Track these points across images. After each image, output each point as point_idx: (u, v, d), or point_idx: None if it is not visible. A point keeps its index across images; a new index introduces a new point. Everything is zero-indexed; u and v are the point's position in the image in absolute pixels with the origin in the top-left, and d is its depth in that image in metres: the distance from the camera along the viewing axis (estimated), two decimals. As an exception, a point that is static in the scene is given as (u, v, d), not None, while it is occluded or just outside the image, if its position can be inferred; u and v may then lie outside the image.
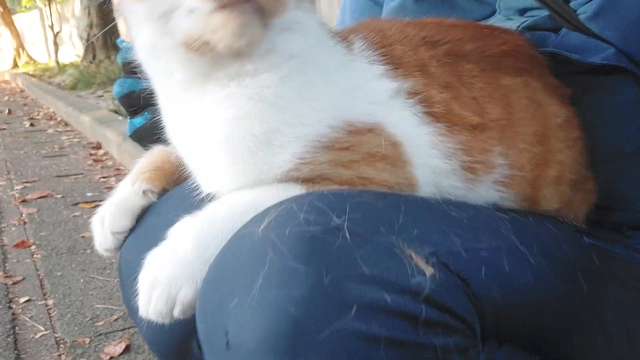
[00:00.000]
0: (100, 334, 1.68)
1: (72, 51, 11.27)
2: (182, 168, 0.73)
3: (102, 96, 6.76)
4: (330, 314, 0.48)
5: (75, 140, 4.71)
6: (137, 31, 0.62)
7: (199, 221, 0.59)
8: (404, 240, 0.52)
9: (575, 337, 0.60)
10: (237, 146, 0.60)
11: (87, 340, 1.65)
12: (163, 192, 0.80)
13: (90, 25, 8.12)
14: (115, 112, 4.78)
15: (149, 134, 0.80)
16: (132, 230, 0.78)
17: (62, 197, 3.08)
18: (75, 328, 1.72)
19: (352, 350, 0.47)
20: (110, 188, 3.18)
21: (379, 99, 0.63)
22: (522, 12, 0.85)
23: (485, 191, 0.67)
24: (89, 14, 8.07)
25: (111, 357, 1.56)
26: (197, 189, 0.68)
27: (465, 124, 0.65)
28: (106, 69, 7.86)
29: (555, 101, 0.71)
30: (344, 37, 0.67)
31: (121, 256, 0.80)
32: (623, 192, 0.77)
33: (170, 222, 0.62)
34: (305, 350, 0.47)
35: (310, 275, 0.49)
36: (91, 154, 4.10)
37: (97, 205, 2.95)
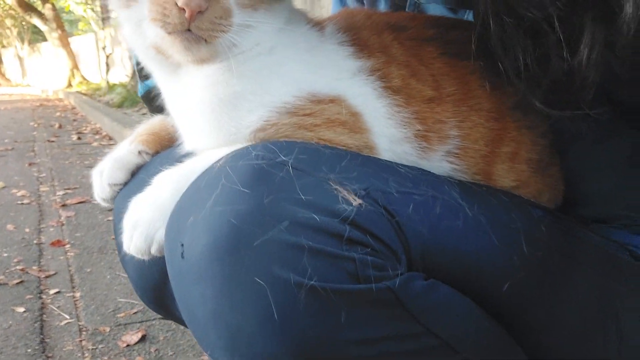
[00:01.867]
0: (120, 324, 1.78)
1: (123, 72, 11.80)
2: (176, 135, 0.82)
3: (145, 114, 7.06)
4: (265, 225, 0.55)
5: (117, 153, 4.94)
6: (126, 33, 0.73)
7: (178, 172, 0.69)
8: (341, 179, 0.60)
9: (508, 291, 0.65)
10: (207, 110, 0.70)
11: (107, 329, 1.75)
12: (156, 154, 0.90)
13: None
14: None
15: (156, 97, 0.90)
16: (125, 184, 0.88)
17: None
18: (98, 318, 1.83)
19: (280, 255, 0.55)
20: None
21: (343, 75, 0.71)
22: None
23: (438, 161, 0.73)
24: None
25: (128, 345, 1.65)
26: (183, 149, 0.77)
27: (421, 97, 0.72)
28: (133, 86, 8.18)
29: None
30: (319, 23, 0.76)
31: (115, 205, 0.90)
32: (583, 186, 0.82)
33: (156, 175, 0.71)
34: (241, 253, 0.55)
35: (253, 196, 0.57)
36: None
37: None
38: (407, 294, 0.59)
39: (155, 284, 0.87)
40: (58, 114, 8.33)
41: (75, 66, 14.23)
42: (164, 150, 0.90)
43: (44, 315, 1.87)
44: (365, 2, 1.06)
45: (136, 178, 0.88)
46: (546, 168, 0.79)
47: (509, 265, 0.65)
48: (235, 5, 0.66)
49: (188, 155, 0.75)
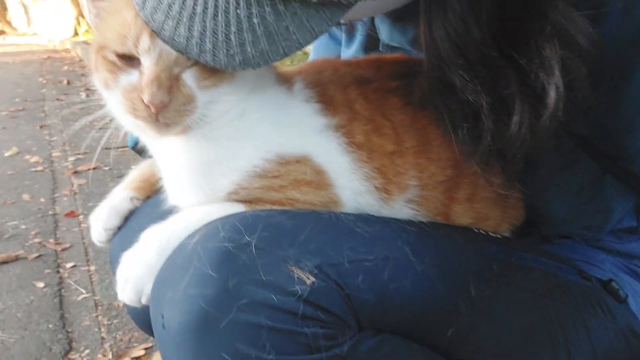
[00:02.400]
0: (133, 299, 1.91)
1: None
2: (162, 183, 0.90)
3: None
4: (229, 308, 0.65)
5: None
6: (109, 106, 0.79)
7: (162, 231, 0.77)
8: (299, 255, 0.68)
9: (452, 332, 0.74)
10: (185, 173, 0.78)
11: (122, 304, 1.88)
12: (147, 199, 0.99)
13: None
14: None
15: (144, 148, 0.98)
16: (119, 228, 0.98)
17: (110, 169, 3.35)
18: (112, 293, 1.96)
19: (242, 333, 0.65)
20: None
21: (309, 133, 0.78)
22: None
23: (399, 209, 0.81)
24: None
25: (140, 320, 1.79)
26: (167, 201, 0.86)
27: (382, 151, 0.78)
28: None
29: None
30: (288, 78, 0.81)
31: (110, 248, 1.01)
32: (545, 209, 0.88)
33: (144, 226, 0.80)
34: (210, 333, 0.65)
35: (219, 280, 0.66)
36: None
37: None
38: (356, 356, 0.68)
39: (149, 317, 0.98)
40: (66, 67, 8.34)
41: (81, 14, 14.04)
42: (154, 193, 0.98)
43: (63, 290, 2.01)
44: (343, 36, 1.09)
45: (128, 224, 0.98)
46: (505, 200, 0.86)
47: (453, 311, 0.74)
48: (197, 89, 0.71)
49: (172, 208, 0.84)
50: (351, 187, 0.78)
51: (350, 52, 1.08)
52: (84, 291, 1.99)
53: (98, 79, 0.77)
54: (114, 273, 1.02)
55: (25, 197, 2.93)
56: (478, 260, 0.78)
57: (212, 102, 0.73)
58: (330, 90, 0.80)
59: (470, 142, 0.73)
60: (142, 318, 1.00)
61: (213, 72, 0.71)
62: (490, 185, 0.84)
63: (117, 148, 3.78)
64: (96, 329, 1.76)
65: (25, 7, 20.48)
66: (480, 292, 0.75)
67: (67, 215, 2.67)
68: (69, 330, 1.77)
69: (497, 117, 0.70)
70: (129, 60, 0.72)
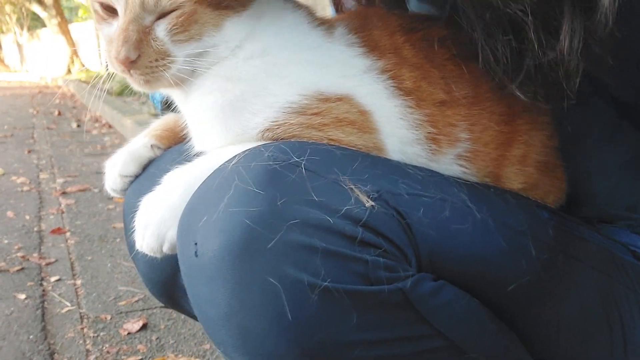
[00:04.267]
0: (121, 312, 1.79)
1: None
2: (186, 132, 0.83)
3: (145, 102, 7.04)
4: (279, 227, 0.56)
5: (116, 141, 4.93)
6: None
7: (187, 172, 0.69)
8: (353, 181, 0.60)
9: (514, 292, 0.65)
10: (211, 115, 0.71)
11: (109, 317, 1.75)
12: (168, 149, 0.91)
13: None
14: (155, 115, 4.97)
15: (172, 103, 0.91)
16: (136, 176, 0.89)
17: (99, 191, 3.24)
18: (99, 306, 1.83)
19: (293, 256, 0.56)
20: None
21: (352, 72, 0.71)
22: None
23: (448, 164, 0.73)
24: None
25: (129, 333, 1.66)
26: (192, 147, 0.78)
27: (432, 100, 0.72)
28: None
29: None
30: (328, 23, 0.75)
31: (125, 197, 0.92)
32: (587, 187, 0.82)
33: (166, 172, 0.72)
34: (255, 255, 0.56)
35: (267, 198, 0.57)
36: (130, 155, 4.29)
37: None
38: (418, 295, 0.59)
39: (165, 278, 0.88)
40: (57, 101, 8.29)
41: (75, 53, 14.17)
42: (176, 144, 0.90)
43: (45, 303, 1.88)
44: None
45: (147, 172, 0.89)
46: (553, 170, 0.80)
47: (516, 268, 0.66)
48: (171, 43, 0.66)
49: (197, 154, 0.76)
50: (398, 134, 0.71)
51: None
52: (68, 304, 1.85)
53: None
54: (126, 228, 0.92)
55: (10, 214, 2.81)
56: (533, 222, 0.70)
57: (194, 56, 0.67)
58: (375, 35, 0.74)
59: (512, 62, 0.67)
60: (158, 278, 0.89)
61: (191, 21, 0.66)
62: (543, 147, 0.77)
63: (108, 172, 3.69)
64: (81, 341, 1.62)
65: (19, 45, 20.64)
66: (540, 254, 0.67)
67: (53, 232, 2.54)
68: (51, 341, 1.63)
69: (543, 26, 0.64)
70: (111, 10, 0.68)
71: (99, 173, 3.71)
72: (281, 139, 0.68)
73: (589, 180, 0.83)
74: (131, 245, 0.89)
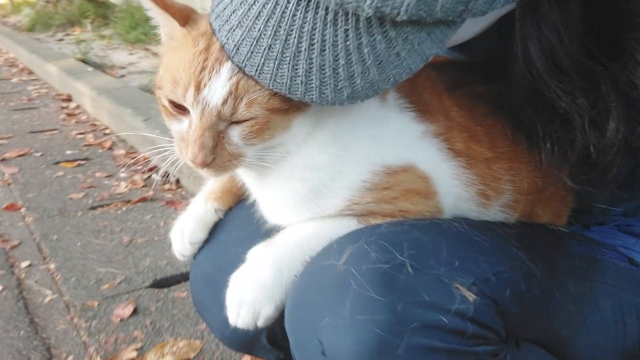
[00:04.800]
0: (107, 297, 1.81)
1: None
2: (244, 190, 0.87)
3: (62, 39, 6.55)
4: (402, 332, 0.64)
5: (42, 91, 4.63)
6: None
7: (273, 250, 0.75)
8: (450, 273, 0.68)
9: (567, 332, 0.78)
10: (289, 202, 0.77)
11: (96, 304, 1.78)
12: (228, 210, 0.97)
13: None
14: (84, 61, 4.69)
15: None
16: (205, 241, 0.95)
17: (42, 155, 3.10)
18: (82, 292, 1.84)
19: (419, 358, 0.64)
20: (88, 145, 3.22)
21: (410, 141, 0.77)
22: None
23: (494, 214, 0.83)
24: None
25: (122, 319, 1.70)
26: (260, 216, 0.82)
27: (481, 158, 0.80)
28: (65, 9, 7.56)
29: None
30: None
31: (195, 263, 0.97)
32: (588, 199, 0.94)
33: (238, 240, 0.78)
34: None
35: (387, 304, 0.65)
36: (62, 107, 4.08)
37: (79, 164, 2.99)
38: None
39: (248, 339, 0.95)
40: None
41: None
42: (235, 204, 0.94)
43: (24, 292, 1.86)
44: None
45: (216, 238, 0.94)
46: (568, 196, 0.90)
47: (566, 311, 0.78)
48: (245, 146, 0.70)
49: (263, 219, 0.80)
50: (453, 193, 0.79)
51: None
52: (49, 292, 1.85)
53: None
54: (196, 289, 0.97)
55: (-50, 189, 2.66)
56: (567, 258, 0.82)
57: (262, 154, 0.73)
58: (425, 98, 0.80)
59: (559, 153, 0.76)
60: (243, 335, 0.95)
61: (264, 128, 0.69)
62: (563, 182, 0.87)
63: (46, 131, 3.51)
64: (74, 333, 1.65)
65: None
66: (574, 289, 0.79)
67: (7, 208, 2.45)
68: (43, 335, 1.65)
69: (592, 124, 0.73)
70: (181, 107, 0.70)
71: (34, 132, 3.53)
72: (358, 214, 0.75)
73: (593, 193, 0.94)
74: (201, 305, 0.95)
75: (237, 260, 0.78)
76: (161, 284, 1.89)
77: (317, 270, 0.71)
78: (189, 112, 0.69)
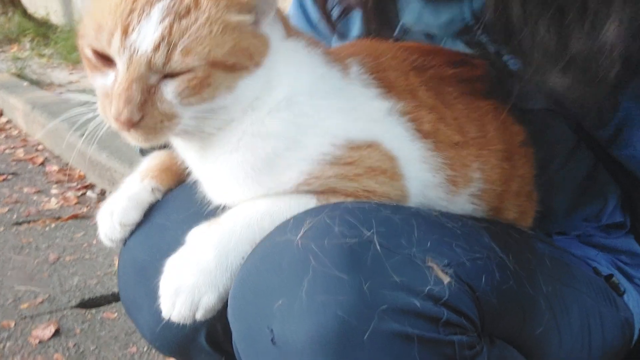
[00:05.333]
0: (26, 317, 1.63)
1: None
2: (186, 170, 0.77)
3: (4, 51, 6.24)
4: (370, 316, 0.55)
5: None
6: None
7: (218, 230, 0.65)
8: (422, 253, 0.61)
9: (540, 331, 0.72)
10: (239, 173, 0.67)
11: (12, 324, 1.59)
12: (168, 191, 0.84)
13: (-14, -23, 7.41)
14: (19, 76, 4.45)
15: None
16: (138, 224, 0.82)
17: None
18: (-2, 309, 1.65)
19: (391, 348, 0.55)
20: (18, 160, 3.01)
21: (374, 117, 0.70)
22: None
23: (463, 204, 0.76)
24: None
25: (40, 341, 1.52)
26: (203, 196, 0.72)
27: (449, 142, 0.73)
28: (2, 26, 7.25)
29: (515, 121, 0.82)
30: (340, 59, 0.73)
31: (125, 249, 0.83)
32: (552, 205, 0.91)
33: (178, 223, 0.67)
34: (352, 348, 0.54)
35: (352, 283, 0.56)
36: (-8, 122, 3.82)
37: (5, 179, 2.79)
38: None
39: (182, 338, 0.82)
40: None
41: None
42: (175, 185, 0.84)
43: None
44: (333, 35, 1.02)
45: (151, 221, 0.82)
46: (532, 194, 0.86)
47: (538, 309, 0.72)
48: (180, 105, 0.61)
49: (206, 199, 0.71)
50: (421, 178, 0.71)
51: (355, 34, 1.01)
52: (-43, 310, 1.64)
53: None
54: (124, 282, 0.84)
55: None
56: (538, 257, 0.77)
57: (201, 118, 0.63)
58: (391, 76, 0.74)
59: (554, 45, 0.70)
60: (173, 339, 0.82)
61: (204, 85, 0.61)
62: (531, 177, 0.84)
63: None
64: (-16, 355, 1.46)
65: None
66: (547, 289, 0.73)
67: None
68: (-54, 358, 1.45)
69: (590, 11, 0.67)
70: (106, 58, 0.61)
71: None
72: (317, 191, 0.66)
73: (553, 196, 0.91)
74: (130, 300, 0.82)
75: (175, 245, 0.67)
76: (89, 304, 1.72)
77: (270, 247, 0.62)
78: (115, 64, 0.60)
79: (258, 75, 0.64)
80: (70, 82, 4.63)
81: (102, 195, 2.50)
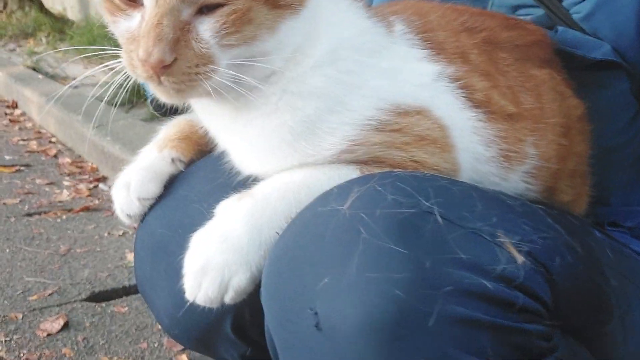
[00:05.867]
0: (34, 309, 1.58)
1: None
2: (209, 139, 0.70)
3: (14, 50, 6.24)
4: (435, 298, 0.47)
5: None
6: None
7: (249, 202, 0.58)
8: (490, 228, 0.53)
9: (609, 328, 0.64)
10: (274, 138, 0.60)
11: (20, 316, 1.54)
12: (190, 163, 0.76)
13: (4, -28, 7.44)
14: (34, 69, 4.43)
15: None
16: (158, 198, 0.74)
17: (-23, 156, 2.83)
18: (5, 302, 1.60)
19: (456, 336, 0.47)
20: (31, 152, 2.97)
21: (423, 81, 0.63)
22: (515, 9, 0.88)
23: (516, 182, 0.68)
24: (3, -41, 7.39)
25: (49, 334, 1.47)
26: (232, 167, 0.66)
27: (502, 113, 0.66)
28: (19, 20, 7.26)
29: (573, 93, 0.74)
30: (383, 17, 0.66)
31: (143, 225, 0.76)
32: (607, 186, 0.83)
33: (204, 196, 0.61)
34: (412, 334, 0.47)
35: (412, 259, 0.48)
36: (6, 114, 3.80)
37: (18, 170, 2.73)
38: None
39: (207, 326, 0.75)
40: None
41: None
42: (198, 156, 0.76)
43: None
44: None
45: (173, 193, 0.74)
46: (588, 176, 0.79)
47: (608, 303, 0.64)
48: (217, 46, 0.54)
49: (235, 170, 0.64)
50: (472, 150, 0.64)
51: None
52: (-35, 301, 1.60)
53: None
54: (140, 260, 0.76)
55: None
56: (600, 246, 0.69)
57: (239, 66, 0.55)
58: (440, 36, 0.66)
59: None
60: (196, 326, 0.75)
61: (244, 21, 0.53)
62: (587, 157, 0.76)
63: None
64: (-10, 348, 1.41)
65: None
66: (614, 282, 0.66)
67: None
68: (-48, 350, 1.40)
69: None
70: None
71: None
72: (360, 161, 0.59)
73: (606, 176, 0.83)
74: (146, 280, 0.75)
75: (200, 219, 0.60)
76: (99, 297, 1.66)
77: (311, 217, 0.54)
78: (140, 3, 0.54)
79: (302, 17, 0.58)
80: (86, 77, 4.61)
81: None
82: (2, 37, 6.88)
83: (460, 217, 0.53)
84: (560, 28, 0.81)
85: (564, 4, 0.82)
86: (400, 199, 0.52)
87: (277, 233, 0.57)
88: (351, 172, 0.60)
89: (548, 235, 0.59)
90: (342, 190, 0.55)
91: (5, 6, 7.59)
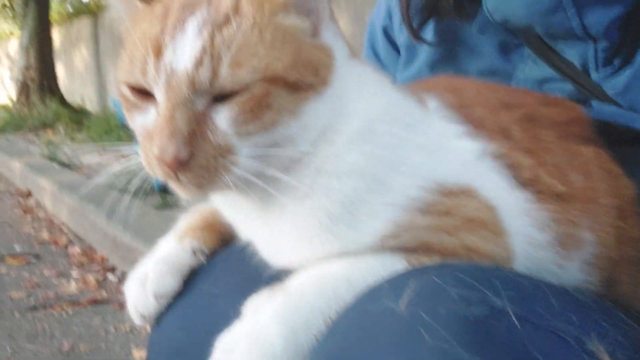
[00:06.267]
0: (31, 416, 1.46)
1: (3, 93, 10.76)
2: (233, 229, 0.64)
3: (33, 141, 6.40)
4: None
5: (1, 187, 4.38)
6: None
7: (283, 299, 0.50)
8: (573, 329, 0.45)
9: None
10: (308, 224, 0.53)
11: None
12: (213, 254, 0.69)
13: (27, 67, 7.79)
14: (50, 159, 4.50)
15: None
16: (176, 295, 0.65)
17: (-13, 249, 2.79)
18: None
19: None
20: (42, 242, 2.93)
21: (465, 158, 0.57)
22: (541, 83, 0.84)
23: (574, 272, 0.60)
24: (28, 55, 7.77)
25: None
26: (259, 259, 0.59)
27: (551, 193, 0.59)
28: (40, 113, 7.51)
29: (622, 172, 0.67)
30: (414, 92, 0.61)
31: (159, 327, 0.66)
32: None
33: (229, 291, 0.54)
34: None
35: None
36: (20, 203, 3.81)
37: (28, 262, 2.66)
38: None
39: None
40: None
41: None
42: (222, 247, 0.69)
43: None
44: (401, 53, 0.94)
45: (193, 288, 0.65)
46: None
47: None
48: (235, 136, 0.49)
49: (261, 260, 0.58)
50: (526, 234, 0.56)
51: (410, 72, 0.90)
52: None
53: None
54: None
55: None
56: None
57: (263, 156, 0.50)
58: (477, 112, 0.61)
59: None
60: None
61: (263, 107, 0.49)
62: None
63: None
64: None
65: None
66: None
67: None
68: None
69: None
70: (144, 94, 0.51)
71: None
72: (405, 248, 0.52)
73: None
74: None
75: (225, 318, 0.52)
76: (102, 401, 1.55)
77: (361, 318, 0.46)
78: (154, 96, 0.50)
79: (327, 97, 0.53)
80: (100, 165, 4.66)
81: (124, 278, 2.38)
82: (22, 128, 7.09)
83: (537, 314, 0.45)
84: (594, 103, 0.76)
85: (594, 78, 0.78)
86: (465, 294, 0.44)
87: (315, 337, 0.49)
88: (397, 263, 0.52)
89: (629, 333, 0.50)
90: (395, 284, 0.48)
91: (27, 99, 7.89)
